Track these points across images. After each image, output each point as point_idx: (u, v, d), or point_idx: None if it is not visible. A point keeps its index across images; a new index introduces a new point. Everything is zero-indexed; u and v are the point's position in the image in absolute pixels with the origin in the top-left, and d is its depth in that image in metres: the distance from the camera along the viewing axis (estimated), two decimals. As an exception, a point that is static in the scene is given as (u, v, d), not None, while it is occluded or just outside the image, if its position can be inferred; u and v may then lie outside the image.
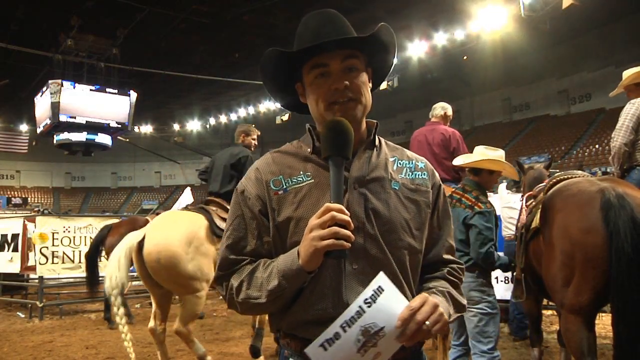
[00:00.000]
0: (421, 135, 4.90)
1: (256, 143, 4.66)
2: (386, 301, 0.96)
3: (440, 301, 1.12)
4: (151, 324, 3.86)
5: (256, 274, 1.12)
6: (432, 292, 1.17)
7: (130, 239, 3.58)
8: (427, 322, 0.98)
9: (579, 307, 2.46)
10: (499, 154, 3.27)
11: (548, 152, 21.88)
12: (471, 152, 3.46)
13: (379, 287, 0.96)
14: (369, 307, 0.95)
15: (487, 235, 3.03)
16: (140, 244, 3.57)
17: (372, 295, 0.96)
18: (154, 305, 3.87)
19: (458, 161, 3.51)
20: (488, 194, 6.59)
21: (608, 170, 14.63)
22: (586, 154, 21.11)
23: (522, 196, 3.73)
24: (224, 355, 4.75)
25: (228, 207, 3.37)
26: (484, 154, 3.26)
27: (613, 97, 4.88)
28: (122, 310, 3.46)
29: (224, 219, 3.67)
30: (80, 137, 19.00)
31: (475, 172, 3.29)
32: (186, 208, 4.71)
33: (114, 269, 3.44)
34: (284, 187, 1.17)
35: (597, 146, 20.74)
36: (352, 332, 0.95)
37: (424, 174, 1.26)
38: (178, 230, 3.64)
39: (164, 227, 3.71)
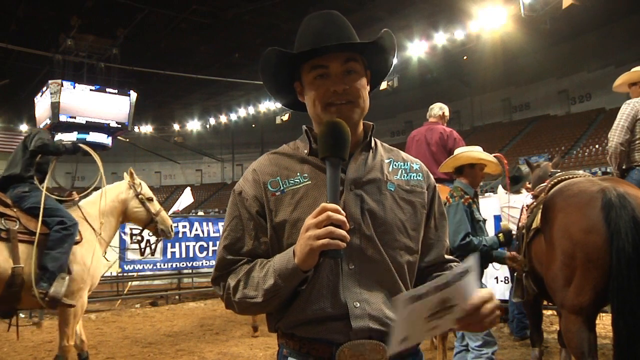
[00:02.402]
0: (420, 135, 4.93)
1: None
2: (468, 283, 0.98)
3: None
4: None
5: (253, 274, 1.13)
6: None
7: None
8: (486, 319, 1.02)
9: (579, 307, 2.46)
10: (473, 149, 3.37)
11: (548, 152, 21.87)
12: None
13: (470, 267, 0.98)
14: (458, 281, 0.97)
15: (458, 226, 3.05)
16: None
17: (462, 272, 0.97)
18: None
19: (441, 168, 3.53)
20: (488, 194, 6.59)
21: (608, 170, 14.63)
22: (586, 154, 21.11)
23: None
24: (224, 355, 4.75)
25: (9, 200, 3.48)
26: (457, 152, 3.39)
27: (614, 96, 4.92)
28: None
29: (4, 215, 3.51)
30: (71, 137, 18.94)
31: (458, 173, 3.35)
32: None
33: None
34: (282, 188, 1.18)
35: (597, 146, 20.73)
36: (435, 297, 0.96)
37: (419, 175, 1.27)
38: None
39: None
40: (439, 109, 5.03)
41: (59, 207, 3.77)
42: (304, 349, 1.13)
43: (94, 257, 3.82)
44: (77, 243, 3.71)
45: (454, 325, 1.02)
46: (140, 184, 4.49)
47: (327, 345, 1.10)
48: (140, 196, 4.40)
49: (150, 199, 4.47)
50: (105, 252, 4.19)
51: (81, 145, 4.21)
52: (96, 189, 4.31)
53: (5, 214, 3.51)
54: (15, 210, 3.58)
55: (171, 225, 4.58)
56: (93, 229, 3.95)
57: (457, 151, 3.44)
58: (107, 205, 4.15)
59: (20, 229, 3.50)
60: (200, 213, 26.59)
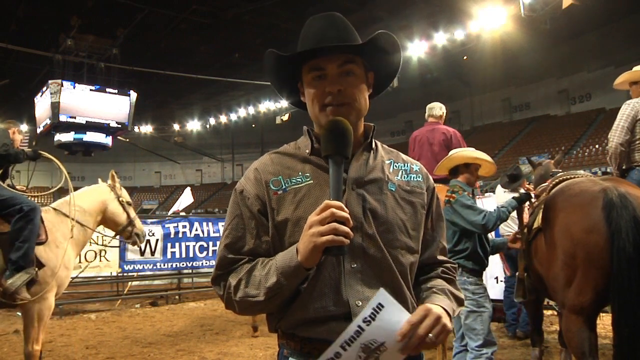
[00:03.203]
0: (422, 135, 4.93)
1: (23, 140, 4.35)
2: (386, 317, 0.97)
3: (443, 302, 1.14)
4: None
5: (254, 272, 1.12)
6: (432, 292, 1.19)
7: None
8: (430, 335, 1.00)
9: (580, 307, 2.46)
10: (466, 149, 3.41)
11: (548, 152, 21.86)
12: None
13: (379, 304, 0.97)
14: (368, 325, 0.96)
15: (472, 211, 3.09)
16: None
17: (372, 313, 0.96)
18: None
19: (437, 170, 3.53)
20: (488, 194, 6.61)
21: (608, 170, 14.63)
22: (586, 154, 21.11)
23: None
24: (224, 355, 4.75)
25: None
26: (450, 153, 3.42)
27: (614, 96, 4.95)
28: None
29: None
30: (68, 137, 18.95)
31: (453, 174, 3.37)
32: None
33: None
34: (283, 187, 1.18)
35: (597, 146, 20.72)
36: (353, 350, 0.96)
37: (419, 176, 1.29)
38: None
39: None
40: (439, 108, 5.03)
41: (15, 195, 3.71)
42: (305, 349, 1.13)
43: (63, 259, 3.72)
44: (41, 243, 3.63)
45: (401, 356, 1.00)
46: (120, 187, 4.47)
47: (329, 344, 1.09)
48: (120, 199, 4.38)
49: (129, 203, 4.48)
50: (79, 255, 4.13)
51: (41, 152, 4.17)
52: (61, 190, 4.25)
53: None
54: None
55: (144, 233, 4.62)
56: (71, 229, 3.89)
57: (451, 153, 3.47)
58: (89, 205, 4.14)
59: None
60: (201, 211, 26.66)
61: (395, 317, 0.98)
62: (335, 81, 1.17)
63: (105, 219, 4.32)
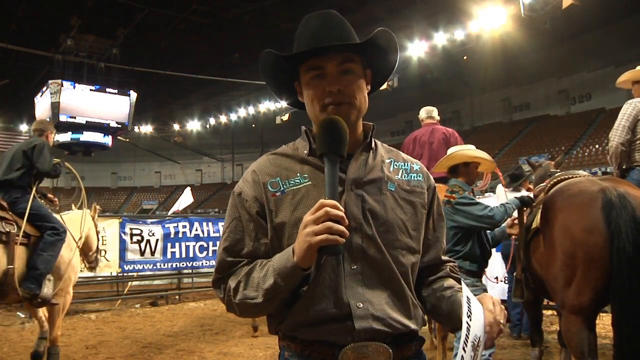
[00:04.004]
0: (421, 135, 4.96)
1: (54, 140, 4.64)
2: (475, 310, 0.98)
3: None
4: None
5: (253, 274, 1.12)
6: (455, 291, 1.20)
7: None
8: (501, 322, 1.03)
9: (579, 307, 2.45)
10: (466, 147, 3.38)
11: (548, 152, 21.86)
12: None
13: (467, 297, 0.98)
14: (470, 320, 0.97)
15: (478, 207, 3.08)
16: None
17: (468, 307, 0.97)
18: None
19: (436, 168, 3.52)
20: (488, 194, 6.60)
21: (608, 170, 14.64)
22: (586, 154, 21.11)
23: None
24: (224, 355, 4.75)
25: (5, 203, 3.79)
26: (450, 152, 3.40)
27: (614, 96, 4.96)
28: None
29: (4, 219, 3.76)
30: (68, 137, 18.95)
31: (453, 172, 3.35)
32: None
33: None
34: (282, 188, 1.17)
35: (597, 146, 20.73)
36: (468, 352, 0.97)
37: (419, 176, 1.28)
38: None
39: None
40: (435, 112, 5.17)
41: (51, 215, 4.09)
42: (306, 351, 1.12)
43: (73, 259, 4.22)
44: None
45: (484, 350, 1.02)
46: (97, 217, 5.08)
47: (330, 347, 1.10)
48: (97, 229, 4.95)
49: (98, 232, 5.06)
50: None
51: (68, 166, 4.65)
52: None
53: (4, 218, 3.73)
54: (10, 213, 3.82)
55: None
56: (73, 237, 4.33)
57: (450, 150, 3.44)
58: (82, 224, 4.57)
59: (18, 232, 3.74)
60: (201, 211, 26.65)
61: (478, 308, 0.99)
62: (335, 80, 1.16)
63: (85, 243, 4.71)
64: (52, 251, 3.86)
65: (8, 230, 3.69)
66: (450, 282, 1.25)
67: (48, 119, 18.53)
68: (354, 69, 1.18)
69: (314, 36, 1.16)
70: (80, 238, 4.43)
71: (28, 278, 3.70)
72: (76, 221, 4.48)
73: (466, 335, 0.96)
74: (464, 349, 0.96)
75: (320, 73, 1.17)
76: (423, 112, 5.19)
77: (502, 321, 1.03)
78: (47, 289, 3.78)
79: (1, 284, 3.62)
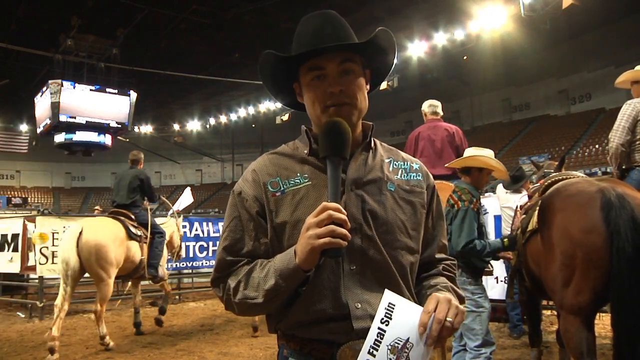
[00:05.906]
0: (424, 131, 4.89)
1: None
2: (402, 314, 0.98)
3: (448, 295, 1.13)
4: (58, 301, 4.74)
5: (253, 274, 1.12)
6: (436, 289, 1.18)
7: (73, 231, 4.95)
8: (448, 319, 0.99)
9: (578, 307, 2.45)
10: (485, 152, 3.32)
11: (548, 152, 21.87)
12: None
13: (389, 304, 0.97)
14: (387, 325, 0.96)
15: (465, 231, 3.05)
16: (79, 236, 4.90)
17: (386, 313, 0.97)
18: (67, 288, 4.84)
19: (451, 165, 3.52)
20: (488, 194, 6.60)
21: (608, 170, 14.62)
22: (586, 154, 21.10)
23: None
24: (224, 355, 4.75)
25: (133, 216, 5.35)
26: (470, 153, 3.34)
27: (614, 96, 4.96)
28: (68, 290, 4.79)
29: (135, 226, 5.47)
30: (68, 137, 18.97)
31: (464, 172, 3.33)
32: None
33: (68, 251, 4.82)
34: (282, 188, 1.17)
35: (597, 146, 20.71)
36: (381, 353, 0.96)
37: (419, 175, 1.27)
38: (107, 229, 5.17)
39: (97, 225, 5.22)
40: (439, 107, 5.01)
41: (156, 222, 5.88)
42: (304, 349, 1.13)
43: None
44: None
45: (430, 349, 0.99)
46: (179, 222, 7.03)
47: (328, 345, 1.10)
48: (180, 232, 6.90)
49: (181, 235, 6.94)
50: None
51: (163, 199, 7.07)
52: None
53: (135, 226, 5.49)
54: (137, 224, 5.54)
55: None
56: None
57: (469, 152, 3.38)
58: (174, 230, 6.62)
59: (143, 235, 5.55)
60: (201, 211, 26.65)
61: (410, 311, 0.99)
62: (335, 81, 1.15)
63: (170, 242, 6.48)
64: (159, 248, 5.71)
65: (140, 233, 5.47)
66: (437, 279, 1.24)
67: (48, 119, 18.59)
68: (354, 69, 1.18)
69: (314, 36, 1.16)
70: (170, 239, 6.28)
71: (150, 265, 5.58)
72: (166, 226, 6.22)
73: (376, 340, 0.96)
74: (370, 352, 0.95)
75: (321, 74, 1.16)
76: (426, 106, 5.02)
77: (449, 319, 0.99)
78: (162, 271, 5.77)
79: (138, 269, 5.48)
